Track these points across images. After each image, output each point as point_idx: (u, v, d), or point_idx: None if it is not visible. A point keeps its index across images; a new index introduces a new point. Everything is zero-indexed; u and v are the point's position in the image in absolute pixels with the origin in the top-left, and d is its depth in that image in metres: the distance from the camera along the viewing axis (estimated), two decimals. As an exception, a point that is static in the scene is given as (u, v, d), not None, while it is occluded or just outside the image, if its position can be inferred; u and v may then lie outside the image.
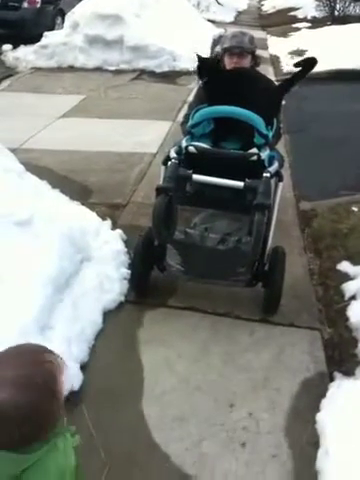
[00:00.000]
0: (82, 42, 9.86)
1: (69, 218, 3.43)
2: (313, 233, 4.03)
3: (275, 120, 3.36)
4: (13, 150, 4.58)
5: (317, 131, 6.35)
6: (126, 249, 3.56)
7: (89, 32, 9.80)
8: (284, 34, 15.08)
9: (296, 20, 18.20)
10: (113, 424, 2.36)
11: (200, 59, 3.24)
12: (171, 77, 9.42)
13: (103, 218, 3.89)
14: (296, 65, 3.30)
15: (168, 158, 3.08)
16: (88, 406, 2.43)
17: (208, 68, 3.28)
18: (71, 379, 2.48)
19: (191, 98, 3.77)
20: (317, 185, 4.82)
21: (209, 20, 15.18)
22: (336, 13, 16.61)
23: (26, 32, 10.54)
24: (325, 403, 2.44)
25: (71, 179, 4.79)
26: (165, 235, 2.89)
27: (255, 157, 2.96)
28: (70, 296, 2.98)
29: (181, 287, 3.32)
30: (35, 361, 1.21)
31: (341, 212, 4.17)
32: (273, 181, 3.03)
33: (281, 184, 3.14)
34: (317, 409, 2.41)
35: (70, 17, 10.35)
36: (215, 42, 3.72)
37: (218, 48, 3.48)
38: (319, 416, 2.37)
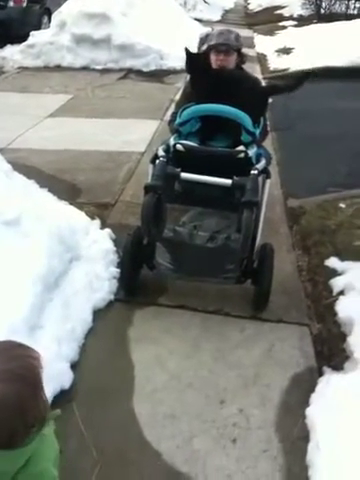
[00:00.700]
0: (69, 41, 9.83)
1: (58, 217, 3.43)
2: (301, 230, 4.05)
3: (261, 118, 3.38)
4: (0, 150, 4.57)
5: (304, 129, 6.38)
6: (115, 248, 3.56)
7: (76, 31, 9.77)
8: (270, 32, 15.13)
9: (282, 18, 18.27)
10: (104, 422, 2.36)
11: (189, 54, 3.25)
12: (158, 76, 9.42)
13: (92, 217, 3.89)
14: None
15: (156, 156, 3.09)
16: (79, 405, 2.43)
17: (196, 65, 3.29)
18: (61, 378, 2.48)
19: (178, 97, 3.76)
20: (305, 182, 4.84)
21: (196, 19, 15.18)
22: (322, 11, 16.69)
23: (12, 31, 10.48)
24: (315, 398, 2.46)
25: (59, 178, 4.78)
26: (154, 233, 2.91)
27: (242, 154, 2.98)
28: (60, 295, 2.98)
29: (171, 285, 3.33)
30: (16, 355, 1.22)
31: (329, 209, 4.20)
32: (261, 178, 3.05)
33: (269, 181, 3.17)
34: (307, 404, 2.43)
35: (57, 16, 10.31)
36: (202, 41, 3.74)
37: (205, 46, 3.49)
38: (309, 411, 2.39)
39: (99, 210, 4.17)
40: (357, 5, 16.90)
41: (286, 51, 11.40)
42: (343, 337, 2.84)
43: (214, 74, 3.33)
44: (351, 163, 5.19)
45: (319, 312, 3.15)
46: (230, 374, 2.68)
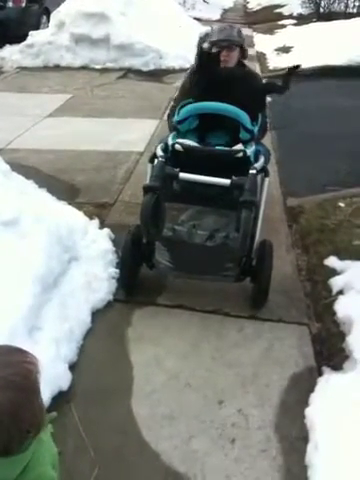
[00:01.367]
0: (68, 41, 9.82)
1: (56, 217, 3.42)
2: (300, 229, 4.05)
3: (260, 115, 3.38)
4: (-1, 150, 4.56)
5: (303, 127, 6.38)
6: (114, 248, 3.56)
7: (75, 31, 9.76)
8: (270, 31, 15.12)
9: (282, 17, 18.27)
10: (102, 423, 2.36)
11: (203, 52, 3.28)
12: (157, 75, 9.41)
13: (90, 217, 3.88)
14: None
15: (154, 156, 3.10)
16: (77, 406, 2.42)
17: (208, 63, 3.30)
18: (60, 379, 2.47)
19: (177, 93, 3.76)
20: (304, 181, 4.84)
21: (195, 18, 15.14)
22: (321, 10, 16.68)
23: (11, 31, 10.45)
24: (314, 397, 2.45)
25: (58, 178, 4.77)
26: (154, 233, 2.91)
27: (241, 154, 2.97)
28: (58, 296, 2.97)
29: (170, 285, 3.32)
30: (11, 362, 1.21)
31: (328, 208, 4.19)
32: (259, 177, 3.05)
33: (267, 179, 3.17)
34: (306, 404, 2.42)
35: (55, 16, 10.29)
36: (202, 40, 3.74)
37: (206, 44, 3.48)
38: (308, 411, 2.38)
39: (98, 210, 4.16)
40: (356, 4, 16.89)
41: (285, 50, 11.39)
42: (342, 337, 2.84)
43: (214, 72, 3.33)
44: (351, 162, 5.18)
45: (318, 311, 3.15)
46: (229, 374, 2.67)
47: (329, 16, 15.21)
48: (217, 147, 3.17)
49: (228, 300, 3.21)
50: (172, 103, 3.77)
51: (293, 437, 2.32)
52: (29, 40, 9.95)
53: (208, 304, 3.16)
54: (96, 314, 3.03)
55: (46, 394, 2.19)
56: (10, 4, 10.82)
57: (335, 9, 16.60)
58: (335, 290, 3.21)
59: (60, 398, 2.40)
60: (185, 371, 2.68)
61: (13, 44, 10.07)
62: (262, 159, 3.14)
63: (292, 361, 2.77)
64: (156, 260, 3.09)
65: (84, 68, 9.63)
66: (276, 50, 11.64)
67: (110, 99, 7.70)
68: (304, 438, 2.28)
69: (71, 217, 3.67)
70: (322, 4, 16.73)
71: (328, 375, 2.60)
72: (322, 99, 7.62)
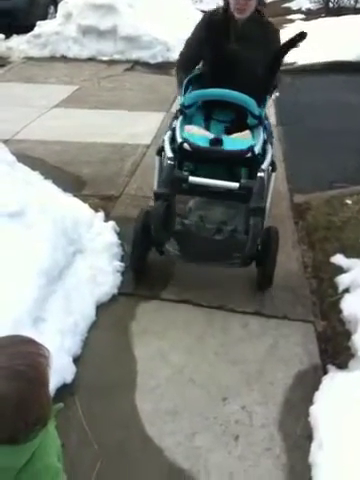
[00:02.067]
0: (75, 32, 9.76)
1: (61, 209, 3.40)
2: (307, 226, 4.02)
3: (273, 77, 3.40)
4: (6, 141, 4.54)
5: (311, 123, 6.33)
6: (119, 241, 3.54)
7: (82, 22, 9.70)
8: (279, 26, 14.93)
9: (290, 12, 18.11)
10: (106, 417, 2.35)
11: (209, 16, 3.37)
12: (165, 68, 9.32)
13: (96, 210, 3.86)
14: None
15: (162, 148, 3.12)
16: (81, 399, 2.42)
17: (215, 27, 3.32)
18: (64, 372, 2.46)
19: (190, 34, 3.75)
20: (311, 178, 4.80)
21: (202, 11, 15.05)
22: (330, 5, 16.54)
23: (19, 21, 10.39)
24: (318, 396, 2.44)
25: (64, 170, 4.75)
26: (164, 237, 3.01)
27: (250, 154, 2.98)
28: (63, 288, 2.96)
29: (175, 279, 3.31)
30: (22, 352, 1.20)
31: (335, 205, 4.16)
32: (266, 172, 3.06)
33: (274, 174, 3.22)
34: (310, 402, 2.41)
35: (63, 7, 10.23)
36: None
37: None
38: (312, 409, 2.37)
39: (103, 202, 4.14)
40: (366, -1, 16.74)
41: (294, 45, 11.29)
42: (348, 335, 2.82)
43: (222, 54, 3.33)
44: (358, 158, 5.14)
45: (324, 309, 3.13)
46: (233, 370, 2.66)
47: (338, 11, 15.08)
48: (224, 136, 3.15)
49: (233, 296, 3.19)
50: (183, 46, 3.76)
51: (297, 435, 2.31)
52: (36, 30, 9.90)
53: (213, 299, 3.15)
54: (100, 307, 3.02)
55: (50, 386, 2.18)
56: (18, -6, 10.77)
57: (344, 4, 16.43)
58: (341, 288, 3.19)
59: (64, 390, 2.39)
60: (189, 366, 2.67)
61: (20, 34, 10.02)
62: (270, 154, 3.14)
63: (297, 359, 2.75)
64: (166, 248, 3.13)
65: (91, 60, 9.57)
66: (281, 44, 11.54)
67: (117, 91, 7.66)
68: (308, 436, 2.27)
69: (76, 209, 3.65)
70: (331, -1, 16.60)
71: (333, 373, 2.59)
72: (330, 95, 7.56)
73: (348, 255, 3.45)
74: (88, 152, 5.21)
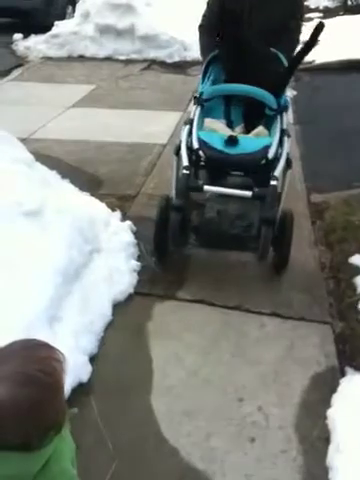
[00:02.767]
0: (93, 31, 9.79)
1: (78, 209, 3.41)
2: (325, 226, 3.98)
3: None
4: (23, 140, 4.55)
5: (329, 122, 6.27)
6: (135, 241, 3.54)
7: (100, 21, 9.73)
8: (296, 24, 14.90)
9: (308, 10, 17.93)
10: (121, 417, 2.34)
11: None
12: (182, 67, 9.32)
13: (112, 209, 3.86)
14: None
15: (179, 148, 3.17)
16: (96, 398, 2.41)
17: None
18: (79, 371, 2.46)
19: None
20: (329, 177, 4.75)
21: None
22: (349, 3, 16.41)
23: (37, 21, 10.48)
24: (336, 398, 2.41)
25: (81, 169, 4.76)
26: (181, 243, 3.19)
27: (264, 161, 3.03)
28: (79, 287, 2.96)
29: (191, 280, 3.30)
30: (36, 357, 1.17)
31: (354, 204, 4.11)
32: (282, 169, 3.09)
33: (290, 171, 3.26)
34: (328, 404, 2.39)
35: (81, 6, 10.29)
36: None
37: None
38: (330, 411, 2.34)
39: (120, 202, 4.14)
40: (385, -3, 16.57)
41: (312, 43, 11.21)
42: (366, 337, 2.79)
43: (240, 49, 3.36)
44: (377, 158, 5.08)
45: (341, 310, 3.09)
46: (249, 371, 2.64)
47: (357, 9, 14.94)
48: (239, 135, 3.18)
49: (249, 296, 3.17)
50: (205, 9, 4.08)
51: (314, 438, 2.28)
52: (54, 30, 9.96)
53: (229, 299, 3.13)
54: (117, 306, 3.02)
55: (66, 385, 2.18)
56: (36, -6, 10.83)
57: (363, 2, 16.31)
58: (359, 289, 3.15)
59: (79, 390, 2.39)
60: (205, 367, 2.65)
61: (38, 34, 10.09)
62: (286, 147, 3.18)
63: (314, 360, 2.72)
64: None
65: (108, 59, 9.60)
66: (302, 43, 11.47)
67: (134, 91, 7.67)
68: (325, 439, 2.24)
69: (93, 209, 3.66)
70: (350, -3, 16.47)
71: (351, 375, 2.56)
72: (349, 93, 7.48)
73: (367, 256, 3.41)
74: (105, 151, 5.22)
